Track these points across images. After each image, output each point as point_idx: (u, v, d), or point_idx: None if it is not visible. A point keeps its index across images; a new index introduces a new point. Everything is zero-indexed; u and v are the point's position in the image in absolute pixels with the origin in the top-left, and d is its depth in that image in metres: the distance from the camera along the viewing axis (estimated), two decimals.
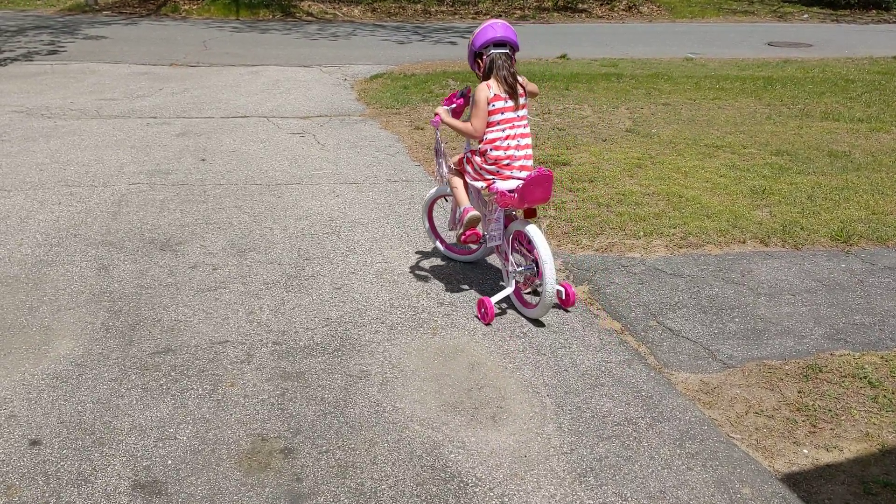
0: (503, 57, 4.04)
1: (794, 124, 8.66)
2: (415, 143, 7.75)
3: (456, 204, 4.35)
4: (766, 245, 5.21)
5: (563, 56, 13.65)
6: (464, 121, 4.17)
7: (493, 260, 4.84)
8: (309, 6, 20.73)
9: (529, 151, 4.10)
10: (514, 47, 4.10)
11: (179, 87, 10.49)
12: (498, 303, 4.20)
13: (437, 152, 4.41)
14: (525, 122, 4.10)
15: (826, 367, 3.72)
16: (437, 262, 4.83)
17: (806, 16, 21.41)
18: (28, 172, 6.37)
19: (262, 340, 3.80)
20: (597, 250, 5.06)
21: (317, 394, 3.36)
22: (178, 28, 17.05)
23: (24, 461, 2.86)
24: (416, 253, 4.97)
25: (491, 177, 4.06)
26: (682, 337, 3.99)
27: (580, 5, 22.20)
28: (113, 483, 2.75)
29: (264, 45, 14.98)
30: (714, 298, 4.43)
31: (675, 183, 6.40)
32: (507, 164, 4.03)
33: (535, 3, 22.09)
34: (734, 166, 6.92)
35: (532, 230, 3.98)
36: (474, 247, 4.71)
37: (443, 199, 4.92)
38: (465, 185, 4.28)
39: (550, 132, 8.12)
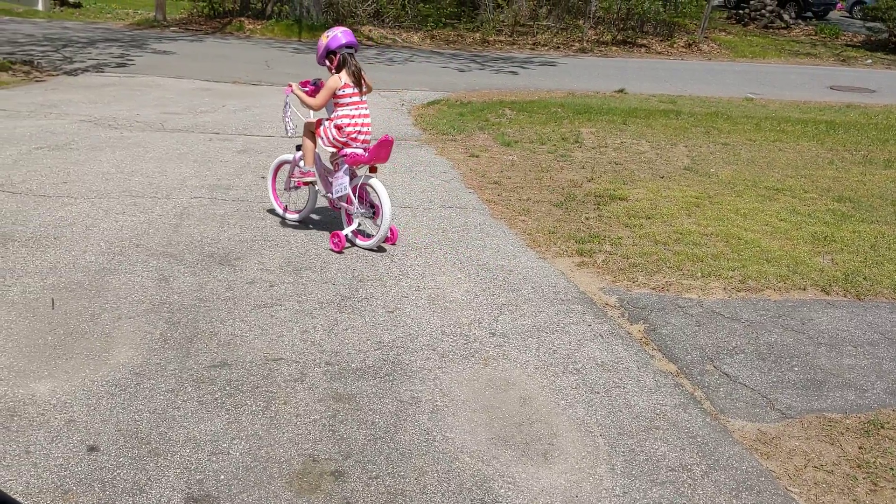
0: (351, 55, 5.25)
1: (857, 171, 8.49)
2: (469, 170, 7.78)
3: (295, 163, 5.71)
4: (828, 293, 5.09)
5: (621, 90, 13.62)
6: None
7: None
8: (370, 31, 21.04)
9: (369, 128, 5.37)
10: (356, 48, 5.34)
11: (241, 104, 10.71)
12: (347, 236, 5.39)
13: (285, 110, 5.58)
14: (366, 105, 5.34)
15: (888, 423, 3.61)
16: (490, 291, 4.82)
17: (869, 61, 21.06)
18: (94, 181, 6.54)
19: (315, 360, 3.82)
20: (653, 289, 5.00)
21: (368, 417, 3.36)
22: (241, 47, 17.45)
23: (81, 467, 2.90)
24: (469, 280, 4.97)
25: (341, 145, 5.30)
26: (740, 383, 3.91)
27: (639, 40, 22.17)
28: (167, 495, 2.78)
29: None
30: (773, 345, 4.33)
31: (733, 224, 6.30)
32: (355, 138, 5.27)
33: (593, 37, 22.11)
34: (795, 211, 6.80)
35: (377, 182, 5.31)
36: (297, 214, 5.89)
37: (286, 164, 5.92)
38: (314, 147, 5.52)
39: (607, 166, 8.09)
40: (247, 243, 5.39)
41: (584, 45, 21.45)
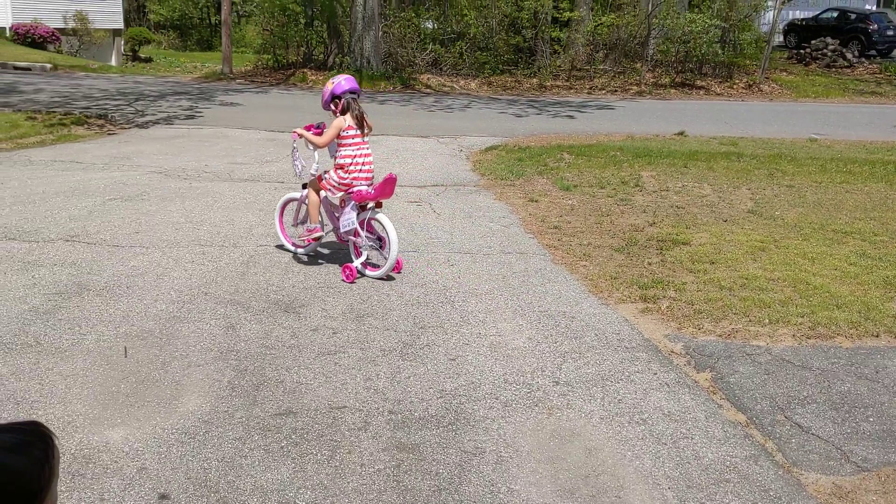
0: (355, 100, 5.74)
1: None
2: (529, 215, 7.80)
3: (304, 207, 6.14)
4: None
5: (681, 133, 13.53)
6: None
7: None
8: (428, 79, 21.42)
9: (371, 166, 5.79)
10: (359, 94, 5.85)
11: (304, 153, 10.96)
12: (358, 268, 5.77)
13: (293, 154, 6.05)
14: (367, 146, 5.78)
15: None
16: (553, 339, 4.79)
17: None
18: (165, 231, 6.76)
19: (378, 409, 3.84)
20: (719, 336, 4.90)
21: (432, 468, 3.35)
22: (304, 97, 17.95)
23: None
24: (531, 327, 4.95)
25: (346, 187, 5.71)
26: (813, 434, 3.78)
27: (698, 82, 22.04)
28: None
29: (383, 115, 15.53)
30: (846, 395, 4.19)
31: (801, 269, 6.16)
32: (357, 176, 5.68)
33: (651, 80, 22.08)
34: (865, 254, 6.61)
35: (383, 217, 5.75)
36: (304, 248, 6.26)
37: (292, 202, 6.39)
38: (323, 202, 5.98)
39: (669, 210, 8.01)
40: (310, 290, 5.48)
41: (642, 88, 21.42)
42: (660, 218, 7.67)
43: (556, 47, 23.29)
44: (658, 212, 7.92)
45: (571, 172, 9.88)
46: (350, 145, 5.66)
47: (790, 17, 27.17)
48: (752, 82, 22.17)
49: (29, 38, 30.93)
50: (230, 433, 3.54)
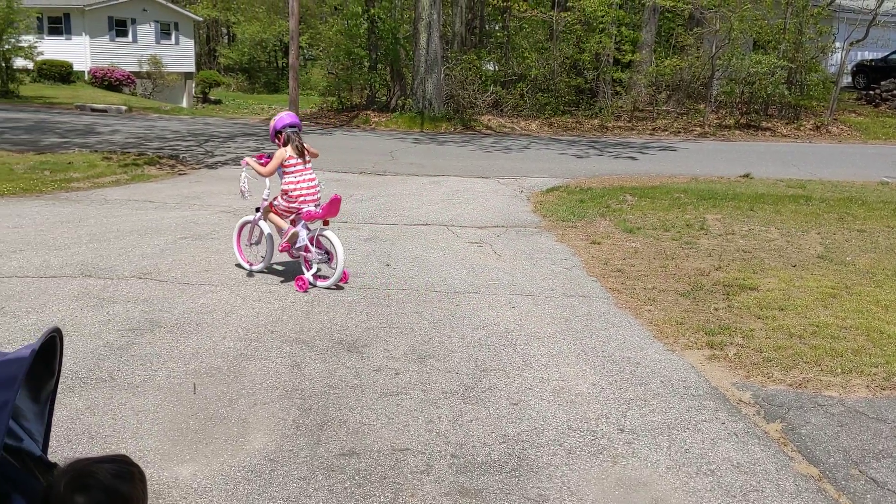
0: (295, 133, 6.47)
1: None
2: (591, 257, 7.75)
3: (257, 229, 6.88)
4: None
5: (747, 175, 13.33)
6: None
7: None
8: (488, 120, 21.61)
9: (314, 189, 6.47)
10: (300, 128, 6.60)
11: (367, 193, 11.15)
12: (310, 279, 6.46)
13: (241, 179, 6.66)
14: (311, 171, 6.50)
15: None
16: (617, 385, 4.72)
17: None
18: (233, 269, 6.92)
19: (440, 452, 3.83)
20: (790, 385, 4.76)
21: None
22: (367, 138, 18.28)
23: None
24: (594, 373, 4.89)
25: (294, 207, 6.42)
26: (889, 490, 3.63)
27: (764, 123, 21.73)
28: None
29: (444, 157, 15.71)
30: None
31: (874, 317, 5.96)
32: (303, 200, 6.40)
33: (715, 121, 21.86)
34: None
35: (330, 233, 6.45)
36: (261, 265, 6.87)
37: (247, 224, 6.99)
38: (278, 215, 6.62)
39: (735, 254, 7.87)
40: (373, 330, 5.53)
41: (706, 129, 21.21)
42: (726, 262, 7.53)
43: (617, 88, 23.29)
44: (724, 256, 7.79)
45: (634, 214, 9.80)
46: (293, 172, 6.42)
47: (858, 57, 26.61)
48: (819, 124, 21.75)
49: (106, 81, 32.34)
50: (295, 472, 3.57)
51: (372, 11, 22.94)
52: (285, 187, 6.44)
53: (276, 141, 6.55)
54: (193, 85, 39.20)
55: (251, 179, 6.68)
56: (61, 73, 31.39)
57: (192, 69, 39.88)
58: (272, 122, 6.63)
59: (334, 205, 6.32)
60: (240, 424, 4.03)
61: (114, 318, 5.53)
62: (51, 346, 1.55)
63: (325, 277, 6.52)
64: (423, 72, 21.28)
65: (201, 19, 45.12)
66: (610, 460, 3.82)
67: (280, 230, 6.62)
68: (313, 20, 37.59)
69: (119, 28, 35.13)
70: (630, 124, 22.00)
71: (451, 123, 21.17)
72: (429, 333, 5.52)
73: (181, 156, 14.53)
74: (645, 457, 3.87)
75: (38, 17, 28.72)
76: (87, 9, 33.26)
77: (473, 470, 3.68)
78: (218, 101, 38.21)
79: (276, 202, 6.57)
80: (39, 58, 27.40)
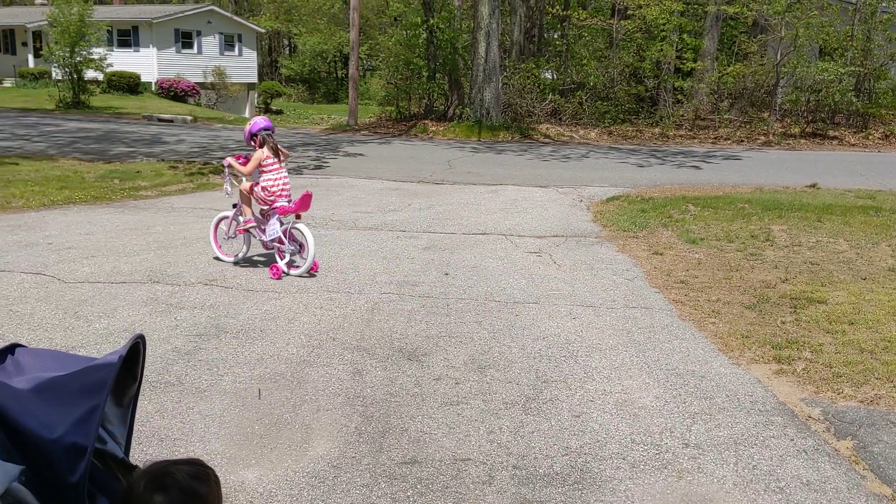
0: (269, 135, 7.01)
1: None
2: (653, 268, 7.64)
3: (234, 224, 7.38)
4: None
5: (813, 185, 12.99)
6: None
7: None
8: (547, 129, 21.53)
9: (288, 186, 7.08)
10: (272, 131, 7.13)
11: (425, 203, 11.20)
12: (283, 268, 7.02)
13: (224, 178, 7.37)
14: (284, 169, 7.09)
15: None
16: (682, 398, 4.63)
17: None
18: (294, 277, 7.02)
19: (502, 463, 3.82)
20: (861, 402, 4.61)
21: None
22: (425, 147, 18.39)
23: None
24: (658, 386, 4.81)
25: (270, 201, 6.97)
26: None
27: (830, 132, 21.17)
28: None
29: (502, 166, 15.70)
30: None
31: None
32: (278, 195, 6.97)
33: (780, 130, 21.38)
34: None
35: (303, 226, 7.03)
36: (234, 257, 7.41)
37: (225, 219, 7.46)
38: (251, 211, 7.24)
39: (802, 266, 7.67)
40: (433, 339, 5.54)
41: (770, 138, 20.76)
42: (793, 274, 7.34)
43: (678, 97, 22.97)
44: (791, 268, 7.59)
45: (697, 225, 9.63)
46: (270, 170, 6.96)
47: None
48: (889, 132, 21.07)
49: (172, 91, 33.24)
50: (358, 479, 3.60)
51: (431, 22, 23.10)
52: (264, 184, 6.97)
53: (252, 143, 7.07)
54: (256, 95, 40.04)
55: (232, 180, 7.28)
56: (129, 85, 32.39)
57: (255, 80, 40.74)
58: (247, 127, 7.15)
59: (306, 200, 6.96)
60: (303, 430, 4.08)
61: (181, 323, 5.67)
62: (134, 352, 1.60)
63: (297, 266, 7.07)
64: (482, 81, 21.32)
65: (264, 31, 46.09)
66: (675, 475, 3.75)
67: (243, 213, 7.25)
68: (373, 31, 38.06)
69: (185, 40, 36.11)
70: (691, 133, 21.65)
71: (508, 132, 21.15)
72: (488, 343, 5.51)
73: None
74: (711, 472, 3.79)
75: (108, 31, 29.67)
76: (154, 22, 34.29)
77: (536, 482, 3.65)
78: (279, 112, 38.92)
79: (255, 189, 7.07)
80: (109, 69, 28.31)
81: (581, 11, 23.29)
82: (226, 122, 25.95)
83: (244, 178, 7.13)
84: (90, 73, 27.24)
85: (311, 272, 7.05)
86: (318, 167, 15.03)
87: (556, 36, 27.40)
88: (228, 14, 39.15)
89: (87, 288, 6.44)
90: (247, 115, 35.95)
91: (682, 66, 22.47)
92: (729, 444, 4.08)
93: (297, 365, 4.97)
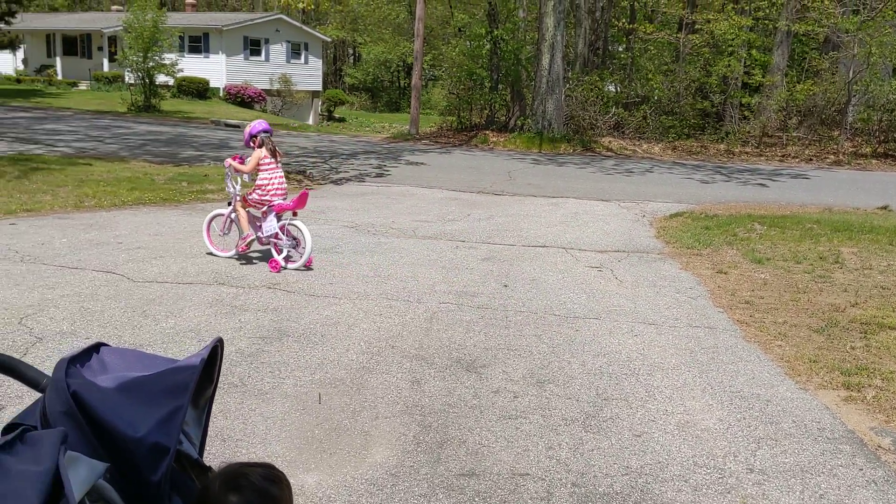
0: (268, 137, 7.47)
1: None
2: (717, 287, 7.49)
3: (230, 221, 7.78)
4: None
5: (885, 207, 12.59)
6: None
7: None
8: (609, 142, 21.34)
9: (283, 185, 7.55)
10: (271, 133, 7.60)
11: (485, 213, 11.21)
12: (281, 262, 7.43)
13: (227, 178, 7.69)
14: (280, 168, 7.56)
15: None
16: (746, 422, 4.52)
17: None
18: (355, 283, 7.10)
19: (561, 480, 3.78)
20: None
21: None
22: (485, 158, 18.40)
23: None
24: (721, 408, 4.70)
25: (267, 200, 7.42)
26: None
27: None
28: None
29: (563, 178, 15.61)
30: None
31: None
32: (274, 193, 7.41)
33: (850, 149, 20.79)
34: None
35: (299, 223, 7.48)
36: (230, 252, 7.77)
37: (218, 217, 7.86)
38: (248, 216, 7.58)
39: (873, 290, 7.43)
40: (491, 351, 5.53)
41: (840, 157, 20.20)
42: (863, 299, 7.12)
43: (745, 113, 22.54)
44: (861, 292, 7.36)
45: (763, 244, 9.42)
46: (267, 170, 7.41)
47: None
48: None
49: (239, 97, 33.98)
50: (416, 489, 3.60)
51: (495, 33, 23.15)
52: (260, 182, 7.44)
53: (252, 144, 7.48)
54: (320, 103, 40.66)
55: (232, 178, 7.65)
56: (198, 90, 33.24)
57: (319, 88, 41.38)
58: (247, 129, 7.53)
59: (303, 198, 7.46)
60: (362, 437, 4.10)
61: (245, 325, 5.77)
62: (213, 356, 1.63)
63: (293, 260, 7.52)
64: (544, 92, 21.26)
65: (330, 40, 46.81)
66: (738, 501, 3.66)
67: (241, 230, 7.56)
68: (436, 41, 38.33)
69: (253, 47, 36.91)
70: (758, 150, 21.20)
71: (570, 144, 21.03)
72: (548, 358, 5.46)
73: (308, 171, 15.07)
74: (776, 500, 3.68)
75: (179, 37, 30.51)
76: (224, 29, 35.13)
77: (595, 500, 3.60)
78: (342, 119, 39.45)
79: (249, 196, 7.52)
80: (179, 74, 29.10)
81: (648, 25, 23.07)
82: (290, 128, 26.39)
83: (239, 178, 7.62)
84: (161, 78, 28.04)
85: (307, 266, 7.48)
86: (379, 175, 15.17)
87: (620, 49, 27.18)
88: (296, 23, 39.87)
89: (156, 287, 6.62)
90: (310, 122, 36.53)
91: (749, 81, 22.04)
92: (795, 471, 3.97)
93: (356, 371, 5.01)
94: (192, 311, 6.04)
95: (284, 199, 7.47)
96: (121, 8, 41.48)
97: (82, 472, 1.25)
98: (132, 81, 28.64)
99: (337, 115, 40.70)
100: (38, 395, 1.44)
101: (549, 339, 5.84)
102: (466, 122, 24.74)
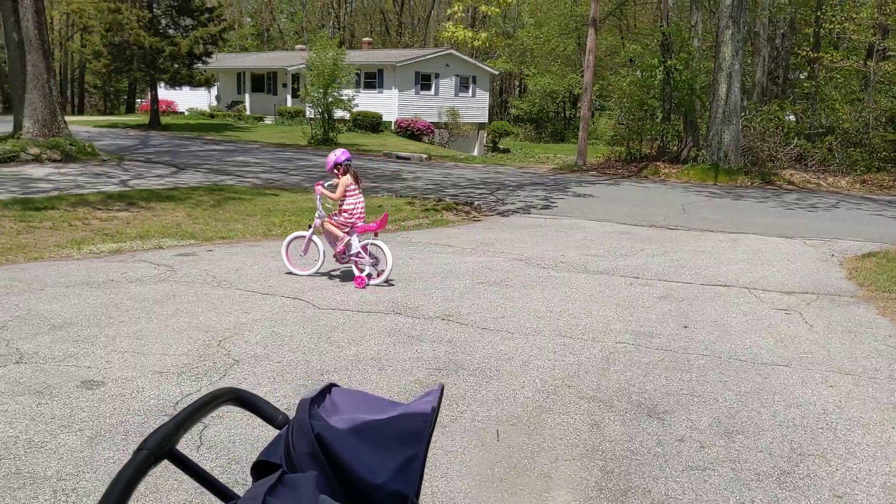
0: (349, 165, 7.97)
1: None
2: None
3: (309, 238, 8.32)
4: None
5: None
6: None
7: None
8: (791, 175, 20.20)
9: (363, 208, 8.10)
10: (351, 160, 8.08)
11: (659, 248, 10.86)
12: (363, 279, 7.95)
13: (317, 202, 8.27)
14: (361, 193, 8.13)
15: None
16: None
17: None
18: (527, 318, 7.05)
19: None
20: None
21: None
22: (656, 190, 17.90)
23: None
24: None
25: (351, 222, 8.01)
26: None
27: None
28: None
29: (741, 212, 14.90)
30: None
31: None
32: (358, 216, 8.02)
33: None
34: None
35: (380, 242, 8.07)
36: (310, 271, 8.42)
37: (298, 239, 8.44)
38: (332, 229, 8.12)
39: None
40: (673, 396, 5.30)
41: None
42: None
43: None
44: None
45: None
46: (351, 195, 8.01)
47: None
48: None
49: (409, 130, 35.20)
50: None
51: (669, 63, 22.61)
52: (346, 207, 8.02)
53: (336, 171, 7.97)
54: (485, 134, 41.30)
55: (322, 202, 8.25)
56: (372, 124, 34.73)
57: (485, 119, 42.07)
58: (332, 157, 7.98)
59: (384, 220, 8.10)
60: (542, 479, 4.03)
61: (422, 356, 5.87)
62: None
63: (373, 277, 8.06)
64: (720, 122, 20.46)
65: (497, 73, 47.56)
66: None
67: (336, 238, 8.08)
68: (604, 72, 37.99)
69: (423, 82, 38.16)
70: None
71: (748, 177, 20.07)
72: (735, 406, 5.16)
73: (475, 203, 15.27)
74: None
75: (356, 73, 32.07)
76: (398, 65, 36.59)
77: None
78: (506, 150, 39.84)
79: (335, 217, 8.09)
80: (355, 109, 30.52)
81: (834, 53, 21.71)
82: (457, 160, 26.96)
83: (318, 206, 8.24)
84: (338, 113, 29.53)
85: (388, 282, 8.07)
86: (545, 207, 15.12)
87: (802, 77, 25.74)
88: (466, 57, 40.85)
89: (338, 315, 6.88)
90: (475, 153, 37.15)
91: None
92: None
93: (533, 409, 4.95)
94: (372, 339, 6.22)
95: (364, 221, 8.09)
96: (304, 47, 44.22)
97: None
98: (312, 116, 30.35)
99: (501, 146, 41.15)
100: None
101: (736, 386, 5.52)
102: (636, 152, 24.24)
